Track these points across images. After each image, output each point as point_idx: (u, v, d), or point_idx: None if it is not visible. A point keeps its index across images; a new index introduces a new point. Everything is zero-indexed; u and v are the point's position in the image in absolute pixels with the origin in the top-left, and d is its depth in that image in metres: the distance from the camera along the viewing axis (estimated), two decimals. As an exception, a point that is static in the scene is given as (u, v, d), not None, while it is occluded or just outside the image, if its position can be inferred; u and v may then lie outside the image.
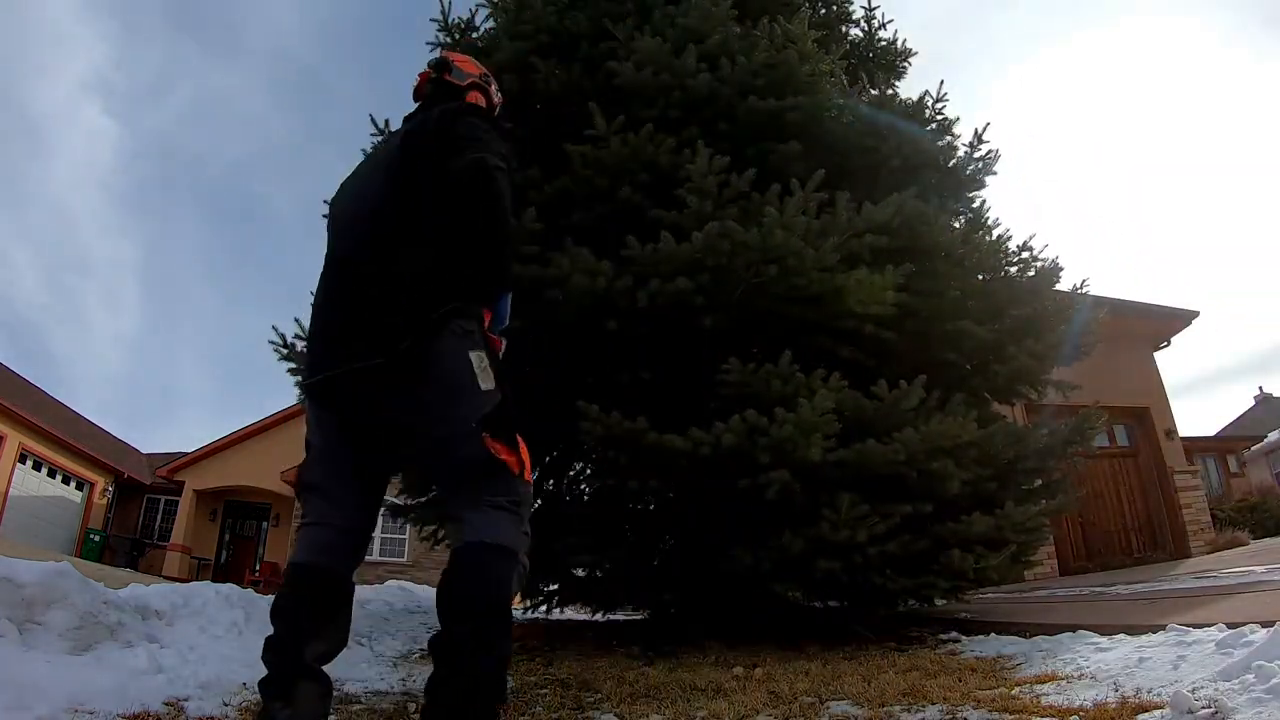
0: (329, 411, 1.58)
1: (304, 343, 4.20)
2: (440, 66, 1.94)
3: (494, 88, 2.02)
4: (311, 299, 1.71)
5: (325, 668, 1.48)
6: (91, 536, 17.32)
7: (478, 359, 1.44)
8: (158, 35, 48.80)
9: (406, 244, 1.49)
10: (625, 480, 3.46)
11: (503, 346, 1.61)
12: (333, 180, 2.08)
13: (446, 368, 1.41)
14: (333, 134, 64.29)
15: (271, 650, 1.43)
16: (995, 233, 4.46)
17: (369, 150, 3.77)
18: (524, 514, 1.43)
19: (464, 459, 1.40)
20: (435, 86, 1.92)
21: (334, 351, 1.49)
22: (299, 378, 1.59)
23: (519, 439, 1.46)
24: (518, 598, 2.47)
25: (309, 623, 1.47)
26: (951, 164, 4.64)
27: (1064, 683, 2.13)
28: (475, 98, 1.92)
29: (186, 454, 18.83)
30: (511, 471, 1.42)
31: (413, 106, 1.98)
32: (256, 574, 17.16)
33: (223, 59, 53.36)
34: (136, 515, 19.55)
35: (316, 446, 1.61)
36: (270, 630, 1.46)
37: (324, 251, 1.76)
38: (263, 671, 1.43)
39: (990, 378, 4.13)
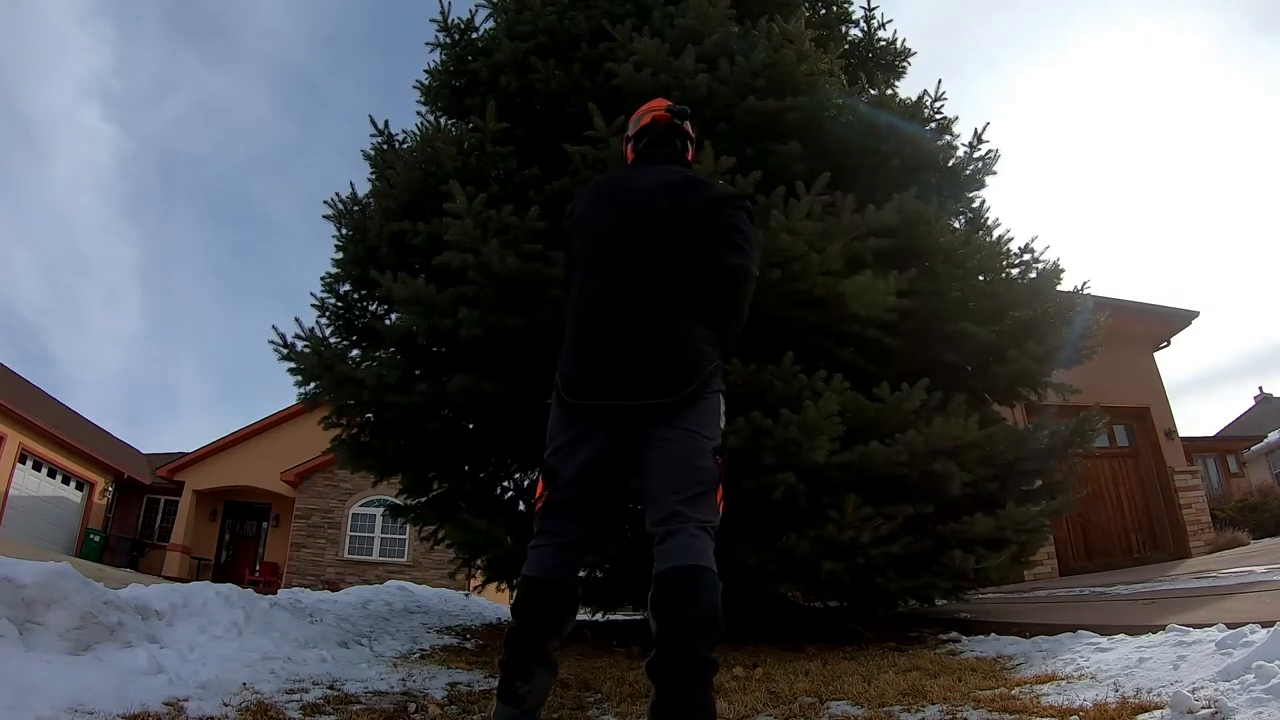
0: (593, 431, 1.85)
1: (301, 345, 4.20)
2: (682, 115, 2.24)
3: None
4: (576, 310, 1.98)
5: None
6: (91, 536, 17.32)
7: (722, 403, 1.87)
8: (155, 40, 48.88)
9: (687, 313, 1.87)
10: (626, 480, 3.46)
11: None
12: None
13: (711, 403, 1.82)
14: (330, 136, 64.31)
15: (511, 644, 1.76)
16: (996, 233, 4.46)
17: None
18: (714, 536, 1.75)
19: (704, 467, 1.76)
20: (671, 131, 2.22)
21: (625, 388, 1.81)
22: (566, 397, 1.88)
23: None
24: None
25: (544, 622, 1.77)
26: (951, 164, 4.64)
27: (1064, 683, 2.13)
28: (691, 153, 2.30)
29: (186, 454, 18.82)
30: (718, 493, 1.78)
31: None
32: (256, 574, 17.17)
33: (220, 63, 53.38)
34: (136, 515, 19.54)
35: (566, 474, 1.86)
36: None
37: (576, 261, 2.05)
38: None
39: (991, 379, 4.13)
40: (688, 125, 2.25)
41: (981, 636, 3.33)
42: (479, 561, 4.61)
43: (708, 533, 1.72)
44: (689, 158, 2.27)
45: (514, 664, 1.72)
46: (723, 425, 1.85)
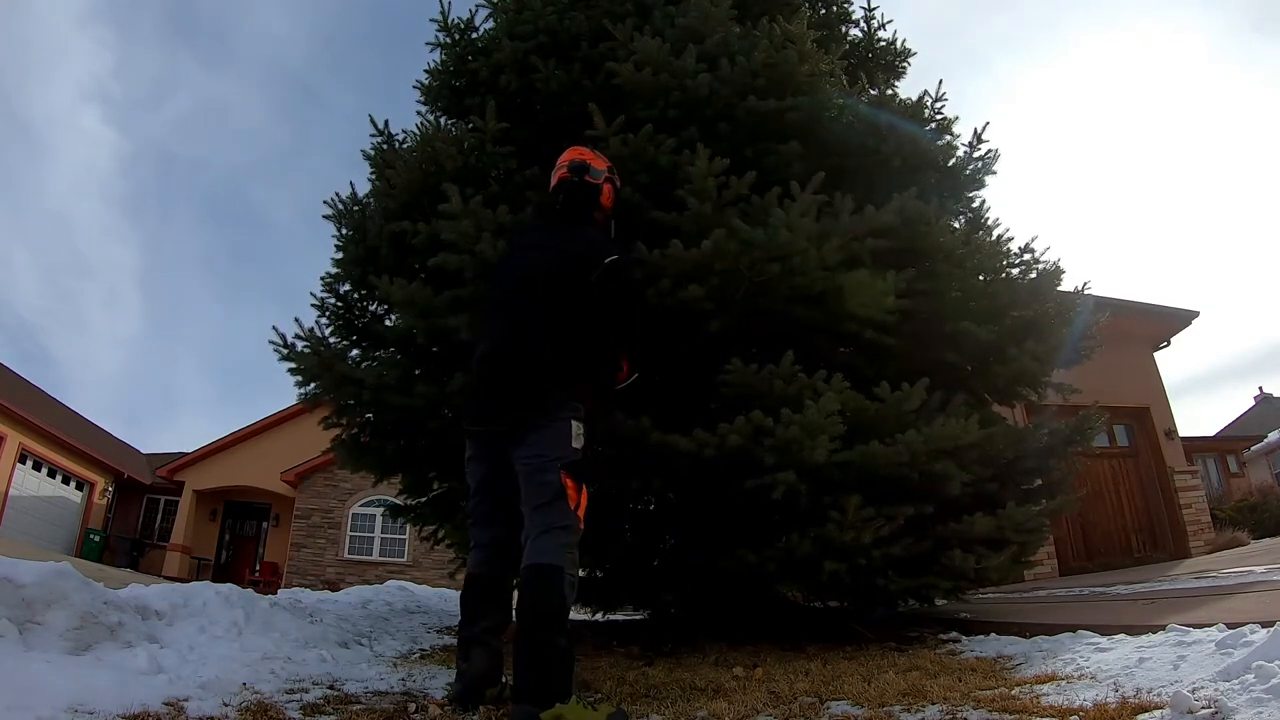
0: (480, 451, 2.32)
1: (301, 345, 4.20)
2: (580, 171, 2.57)
3: (617, 179, 2.78)
4: (476, 352, 2.41)
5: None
6: (91, 536, 17.33)
7: (577, 427, 2.19)
8: (154, 43, 48.96)
9: (547, 363, 2.23)
10: (626, 480, 3.45)
11: (629, 378, 2.52)
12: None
13: (558, 428, 2.16)
14: (330, 137, 64.35)
15: (459, 629, 2.20)
16: (996, 233, 4.45)
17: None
18: (573, 540, 2.09)
19: (546, 481, 2.09)
20: (574, 188, 2.56)
21: (491, 414, 2.28)
22: (465, 424, 2.42)
23: (585, 489, 2.15)
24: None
25: (471, 610, 2.21)
26: (951, 164, 4.63)
27: (1064, 683, 2.13)
28: (608, 192, 2.65)
29: (186, 454, 18.83)
30: (569, 502, 2.07)
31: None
32: (256, 574, 17.18)
33: (218, 66, 53.47)
34: (136, 515, 19.56)
35: (472, 487, 2.33)
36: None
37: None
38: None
39: (991, 379, 4.12)
40: (588, 177, 2.58)
41: (981, 636, 3.33)
42: (479, 561, 4.60)
43: (557, 532, 2.06)
44: (604, 199, 2.64)
45: (458, 649, 2.21)
46: (578, 445, 2.18)
